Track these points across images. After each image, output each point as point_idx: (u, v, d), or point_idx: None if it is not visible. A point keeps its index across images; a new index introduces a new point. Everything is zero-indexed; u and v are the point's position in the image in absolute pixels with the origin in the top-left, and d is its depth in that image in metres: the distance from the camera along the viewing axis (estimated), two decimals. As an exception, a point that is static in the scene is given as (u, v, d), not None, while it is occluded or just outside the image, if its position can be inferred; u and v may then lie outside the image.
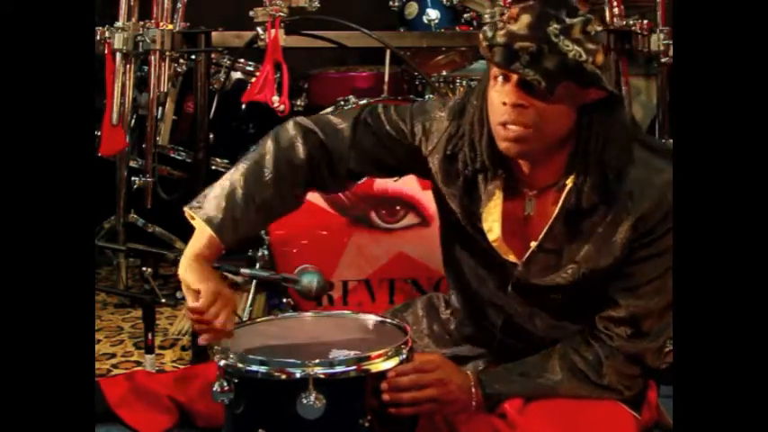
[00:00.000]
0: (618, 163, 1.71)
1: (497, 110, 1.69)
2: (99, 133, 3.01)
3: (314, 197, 2.83)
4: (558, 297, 1.82)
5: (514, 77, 1.64)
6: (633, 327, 1.77)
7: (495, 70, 1.68)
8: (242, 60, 3.32)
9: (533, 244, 1.79)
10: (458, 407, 1.78)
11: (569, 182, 1.73)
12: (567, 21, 1.62)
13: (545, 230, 1.78)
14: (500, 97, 1.67)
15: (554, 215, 1.76)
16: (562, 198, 1.75)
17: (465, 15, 3.22)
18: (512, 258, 1.83)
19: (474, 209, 1.84)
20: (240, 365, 1.64)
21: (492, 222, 1.82)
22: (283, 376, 1.61)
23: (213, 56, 3.00)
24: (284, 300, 2.91)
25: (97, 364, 2.79)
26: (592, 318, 1.81)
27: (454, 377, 1.77)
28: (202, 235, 1.78)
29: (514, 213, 1.82)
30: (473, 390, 1.77)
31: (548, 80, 1.60)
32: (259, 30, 2.74)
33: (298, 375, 1.59)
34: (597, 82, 1.64)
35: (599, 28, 1.66)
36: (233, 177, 1.82)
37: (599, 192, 1.71)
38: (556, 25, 1.61)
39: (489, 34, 1.64)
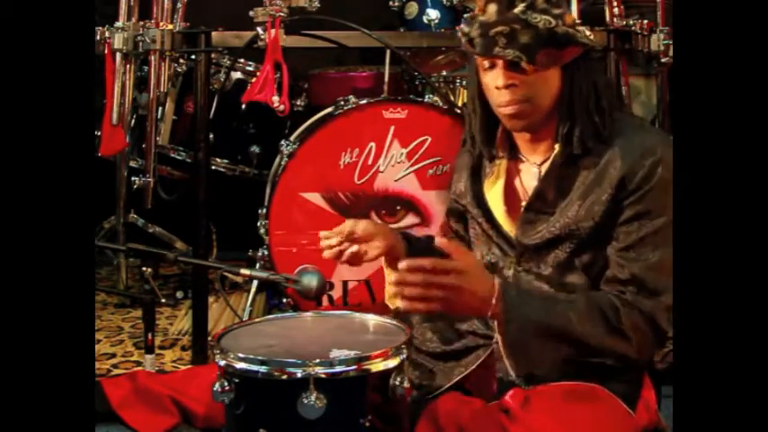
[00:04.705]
0: (604, 107, 1.85)
1: (493, 94, 1.86)
2: (99, 133, 3.01)
3: (314, 197, 2.83)
4: (552, 260, 1.86)
5: (499, 62, 1.82)
6: (638, 286, 1.79)
7: (481, 62, 1.86)
8: (242, 60, 3.32)
9: (524, 203, 1.91)
10: (469, 313, 1.79)
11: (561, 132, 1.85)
12: None
13: (534, 190, 1.89)
14: (492, 82, 1.84)
15: (544, 172, 1.88)
16: (554, 152, 1.87)
17: (465, 15, 3.21)
18: (514, 234, 1.91)
19: (480, 191, 1.98)
20: (240, 365, 1.64)
21: (496, 200, 1.95)
22: (284, 376, 1.60)
23: (213, 56, 2.99)
24: (284, 300, 2.91)
25: (97, 364, 2.79)
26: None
27: (474, 284, 1.70)
28: None
29: (518, 190, 1.94)
30: (493, 302, 1.73)
31: (527, 53, 1.78)
32: (259, 30, 2.74)
33: (298, 375, 1.59)
34: (572, 40, 1.81)
35: None
36: None
37: (589, 137, 1.83)
38: (520, 5, 1.79)
39: (466, 30, 1.84)
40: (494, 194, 1.97)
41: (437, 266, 1.67)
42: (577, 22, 1.86)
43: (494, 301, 1.72)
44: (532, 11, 1.78)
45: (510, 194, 1.96)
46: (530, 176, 1.93)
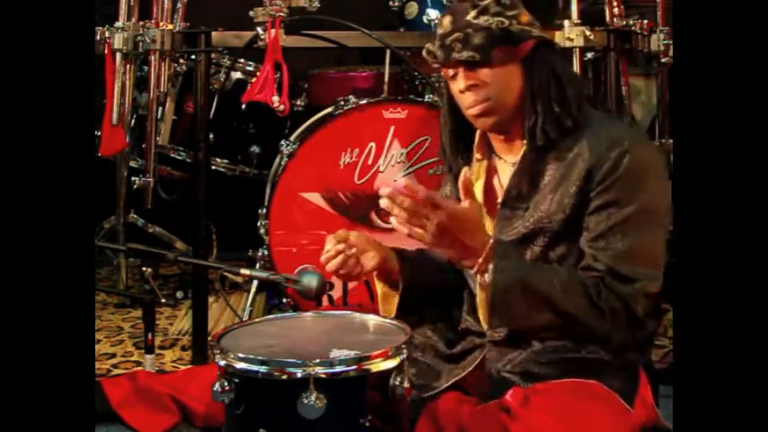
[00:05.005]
0: (569, 97, 1.88)
1: (460, 99, 1.93)
2: (99, 133, 3.01)
3: (314, 197, 2.84)
4: (529, 255, 1.88)
5: (460, 68, 1.89)
6: (611, 274, 1.81)
7: (445, 72, 1.93)
8: (242, 60, 3.33)
9: (499, 200, 1.94)
10: (452, 258, 1.81)
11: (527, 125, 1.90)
12: (481, 3, 1.88)
13: (507, 186, 1.93)
14: (457, 88, 1.92)
15: (515, 167, 1.92)
16: (522, 147, 1.91)
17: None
18: (492, 232, 1.93)
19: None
20: (240, 365, 1.64)
21: None
22: (284, 376, 1.60)
23: (213, 56, 3.00)
24: (284, 300, 2.91)
25: (97, 364, 2.79)
26: None
27: (463, 233, 1.75)
28: None
29: (495, 189, 1.98)
30: (480, 260, 1.76)
31: (480, 52, 1.86)
32: (259, 30, 2.74)
33: (299, 375, 1.59)
34: (526, 35, 1.88)
35: None
36: None
37: (552, 127, 1.87)
38: (472, 12, 1.87)
39: (431, 48, 1.92)
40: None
41: (430, 199, 1.72)
42: (533, 22, 1.93)
43: (481, 258, 1.76)
44: (484, 14, 1.87)
45: (488, 194, 2.00)
46: (506, 175, 1.97)
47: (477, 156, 2.01)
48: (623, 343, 1.85)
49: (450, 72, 1.92)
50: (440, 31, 1.92)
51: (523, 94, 1.89)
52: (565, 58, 1.98)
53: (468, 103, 1.90)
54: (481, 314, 1.81)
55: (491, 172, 2.01)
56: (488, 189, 2.00)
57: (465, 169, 1.80)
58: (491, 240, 1.78)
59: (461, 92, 1.91)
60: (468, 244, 1.76)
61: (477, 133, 2.00)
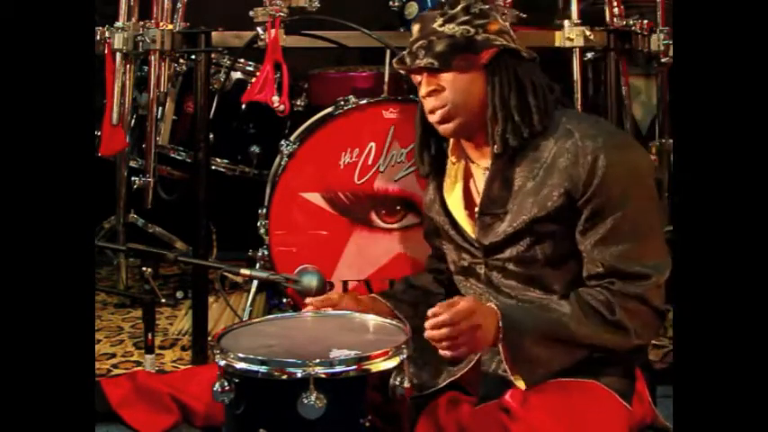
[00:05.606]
0: (531, 104, 1.89)
1: (424, 104, 1.97)
2: (99, 133, 3.01)
3: (314, 197, 2.83)
4: (515, 255, 1.90)
5: (424, 73, 1.93)
6: (618, 275, 1.82)
7: (414, 78, 1.97)
8: (242, 60, 3.32)
9: (477, 209, 1.96)
10: (487, 345, 1.81)
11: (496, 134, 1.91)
12: (450, 12, 1.91)
13: (482, 194, 1.95)
14: (421, 94, 1.96)
15: (488, 174, 1.94)
16: (491, 153, 1.93)
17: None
18: (475, 236, 1.97)
19: (444, 202, 2.05)
20: (240, 365, 1.64)
21: (457, 204, 2.02)
22: (284, 376, 1.61)
23: (213, 56, 2.99)
24: (284, 300, 2.91)
25: (97, 364, 2.79)
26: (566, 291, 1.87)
27: (483, 318, 1.76)
28: None
29: (473, 193, 2.01)
30: (500, 326, 1.77)
31: (440, 58, 1.89)
32: (259, 30, 2.74)
33: (299, 375, 1.59)
34: (488, 44, 1.90)
35: (486, 6, 1.95)
36: None
37: (513, 135, 1.88)
38: (439, 20, 1.91)
39: (402, 54, 1.96)
40: (454, 199, 2.03)
41: (454, 317, 1.71)
42: (505, 29, 1.93)
43: (500, 325, 1.76)
44: (450, 23, 1.90)
45: (468, 197, 2.02)
46: (480, 179, 1.99)
47: (452, 159, 2.03)
48: (644, 349, 1.88)
49: (418, 78, 1.96)
50: (410, 38, 1.96)
51: (486, 102, 1.91)
52: (532, 65, 1.96)
53: (429, 107, 1.94)
54: (515, 379, 1.81)
55: (467, 176, 2.03)
56: (467, 193, 2.02)
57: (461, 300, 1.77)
58: (494, 306, 1.79)
59: (423, 97, 1.95)
60: (490, 325, 1.75)
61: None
